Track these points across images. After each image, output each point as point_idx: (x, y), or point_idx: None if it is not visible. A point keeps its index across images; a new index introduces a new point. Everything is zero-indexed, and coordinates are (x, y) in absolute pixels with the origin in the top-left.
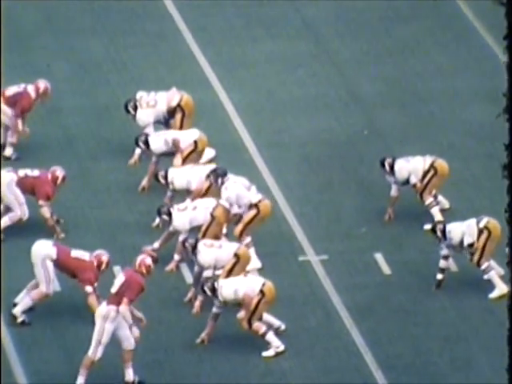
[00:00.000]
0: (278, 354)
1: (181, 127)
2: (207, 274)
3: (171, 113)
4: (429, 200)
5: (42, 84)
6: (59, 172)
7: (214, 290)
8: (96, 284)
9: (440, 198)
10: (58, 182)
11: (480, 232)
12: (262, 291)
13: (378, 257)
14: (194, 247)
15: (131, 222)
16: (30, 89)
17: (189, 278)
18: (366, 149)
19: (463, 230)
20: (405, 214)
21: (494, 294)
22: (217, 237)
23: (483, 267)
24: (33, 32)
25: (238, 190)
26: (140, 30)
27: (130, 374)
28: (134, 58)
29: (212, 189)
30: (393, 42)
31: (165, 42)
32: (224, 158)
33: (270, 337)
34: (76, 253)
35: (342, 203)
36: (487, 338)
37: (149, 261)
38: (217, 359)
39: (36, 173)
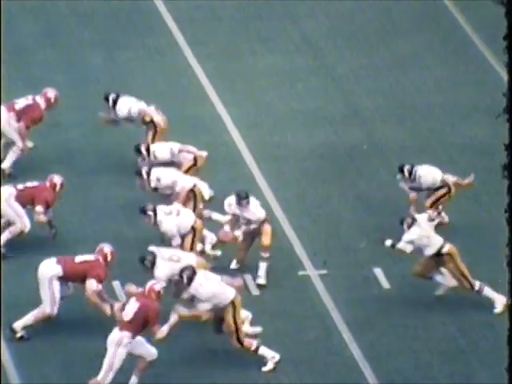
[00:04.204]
0: (276, 364)
1: (153, 143)
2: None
3: (144, 123)
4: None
5: (52, 93)
6: (57, 179)
7: (191, 280)
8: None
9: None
10: (57, 189)
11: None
12: (233, 303)
13: (377, 271)
14: (153, 263)
15: (130, 237)
16: (39, 99)
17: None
18: (365, 163)
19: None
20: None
21: (497, 310)
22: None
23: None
24: (32, 46)
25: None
26: (139, 45)
27: (134, 382)
28: (132, 72)
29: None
30: (391, 56)
31: (164, 56)
32: (222, 171)
33: (263, 350)
34: (80, 257)
35: (340, 217)
36: (487, 352)
37: (158, 287)
38: (216, 374)
39: (35, 183)
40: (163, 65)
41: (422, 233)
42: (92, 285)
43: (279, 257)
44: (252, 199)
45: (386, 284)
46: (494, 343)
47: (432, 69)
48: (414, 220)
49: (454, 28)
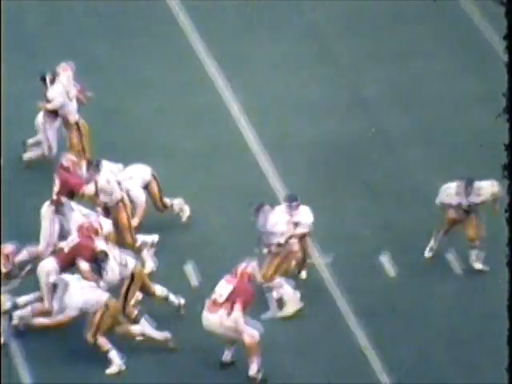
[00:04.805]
0: (120, 373)
1: (83, 147)
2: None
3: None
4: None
5: (61, 68)
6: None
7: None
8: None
9: None
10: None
11: None
12: (106, 305)
13: (383, 259)
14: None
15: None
16: None
17: (193, 281)
18: (370, 151)
19: None
20: (410, 216)
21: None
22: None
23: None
24: (37, 34)
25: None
26: (144, 33)
27: (253, 369)
28: (138, 60)
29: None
30: (397, 44)
31: (169, 44)
32: (228, 160)
33: (113, 355)
34: (66, 243)
35: (346, 206)
36: (490, 341)
37: (250, 269)
38: (221, 360)
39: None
40: (169, 53)
41: (273, 221)
42: (83, 266)
43: None
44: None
45: (391, 272)
46: (497, 332)
47: (437, 57)
48: (261, 206)
49: (459, 16)
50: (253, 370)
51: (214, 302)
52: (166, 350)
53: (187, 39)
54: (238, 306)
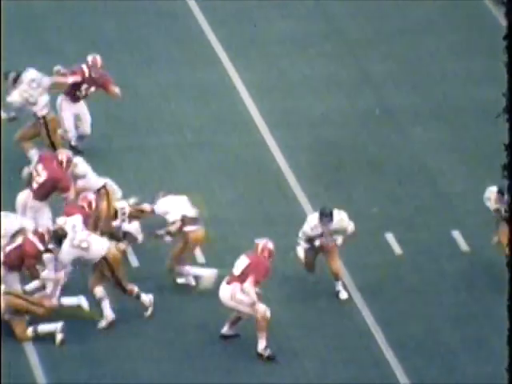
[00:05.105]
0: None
1: (51, 142)
2: None
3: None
4: None
5: (89, 58)
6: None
7: None
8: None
9: None
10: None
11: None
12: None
13: (389, 237)
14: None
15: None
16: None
17: (200, 258)
18: (377, 129)
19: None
20: (416, 193)
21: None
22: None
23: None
24: (44, 12)
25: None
26: (152, 10)
27: (261, 345)
28: (145, 37)
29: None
30: (405, 21)
31: (176, 21)
32: (234, 137)
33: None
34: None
35: (352, 183)
36: (498, 318)
37: (271, 245)
38: (228, 339)
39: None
40: (176, 30)
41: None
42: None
43: (291, 223)
44: (335, 213)
45: (397, 249)
46: (505, 309)
47: (445, 34)
48: (160, 194)
49: None
50: (261, 346)
51: (232, 275)
52: (172, 329)
53: (194, 15)
54: (250, 279)
